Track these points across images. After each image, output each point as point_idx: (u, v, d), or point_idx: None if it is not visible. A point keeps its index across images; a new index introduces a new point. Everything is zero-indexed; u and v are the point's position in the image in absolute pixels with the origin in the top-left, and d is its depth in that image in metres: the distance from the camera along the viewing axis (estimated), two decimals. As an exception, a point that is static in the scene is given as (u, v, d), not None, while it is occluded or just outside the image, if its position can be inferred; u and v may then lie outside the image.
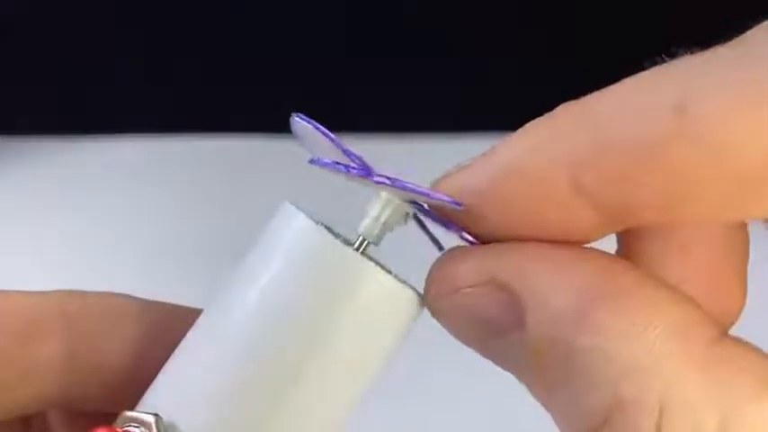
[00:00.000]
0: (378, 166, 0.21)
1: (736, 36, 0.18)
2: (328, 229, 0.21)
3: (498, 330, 0.19)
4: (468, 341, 0.20)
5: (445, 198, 0.20)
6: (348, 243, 0.21)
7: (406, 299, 0.21)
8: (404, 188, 0.20)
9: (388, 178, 0.20)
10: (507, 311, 0.19)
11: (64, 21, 0.58)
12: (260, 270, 0.21)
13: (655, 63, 0.18)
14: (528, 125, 0.19)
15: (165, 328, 0.23)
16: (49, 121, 0.59)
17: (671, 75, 0.18)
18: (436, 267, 0.21)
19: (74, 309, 0.23)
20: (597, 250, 0.20)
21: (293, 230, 0.21)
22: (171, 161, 0.58)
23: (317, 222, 0.21)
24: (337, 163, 0.21)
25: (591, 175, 0.18)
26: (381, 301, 0.20)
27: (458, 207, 0.20)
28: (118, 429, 0.21)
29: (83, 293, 0.23)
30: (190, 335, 0.22)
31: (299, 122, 0.21)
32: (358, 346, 0.21)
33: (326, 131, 0.21)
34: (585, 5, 0.57)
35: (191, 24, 0.59)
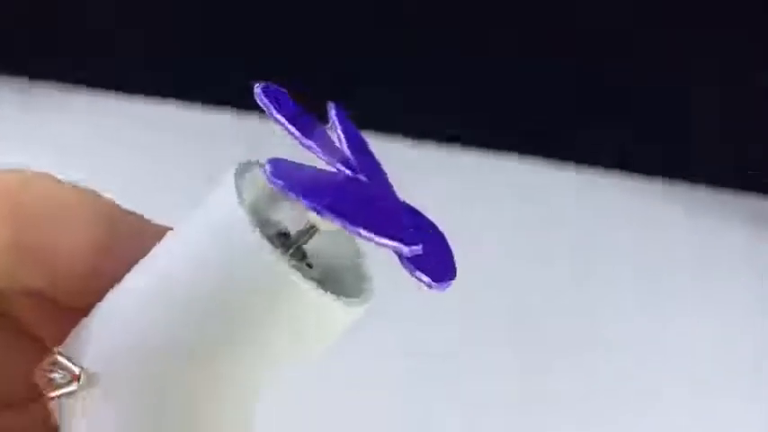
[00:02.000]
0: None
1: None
2: (270, 204, 0.21)
3: None
4: None
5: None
6: (279, 234, 0.21)
7: (322, 302, 0.20)
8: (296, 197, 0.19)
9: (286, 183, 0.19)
10: None
11: (64, 20, 0.58)
12: (189, 243, 0.20)
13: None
14: None
15: (127, 233, 0.22)
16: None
17: None
18: None
19: (19, 191, 0.22)
20: None
21: (224, 214, 0.20)
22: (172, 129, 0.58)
23: (251, 215, 0.20)
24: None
25: None
26: (296, 304, 0.20)
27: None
28: (42, 369, 0.21)
29: (21, 171, 0.22)
30: (128, 276, 0.21)
31: (262, 99, 0.21)
32: (272, 340, 0.20)
33: (282, 119, 0.20)
34: (585, 5, 0.57)
35: (190, 24, 0.59)
